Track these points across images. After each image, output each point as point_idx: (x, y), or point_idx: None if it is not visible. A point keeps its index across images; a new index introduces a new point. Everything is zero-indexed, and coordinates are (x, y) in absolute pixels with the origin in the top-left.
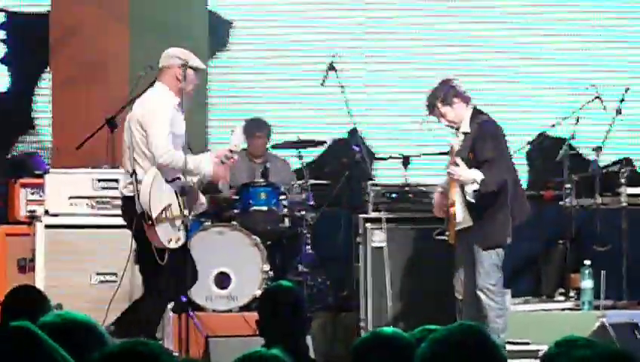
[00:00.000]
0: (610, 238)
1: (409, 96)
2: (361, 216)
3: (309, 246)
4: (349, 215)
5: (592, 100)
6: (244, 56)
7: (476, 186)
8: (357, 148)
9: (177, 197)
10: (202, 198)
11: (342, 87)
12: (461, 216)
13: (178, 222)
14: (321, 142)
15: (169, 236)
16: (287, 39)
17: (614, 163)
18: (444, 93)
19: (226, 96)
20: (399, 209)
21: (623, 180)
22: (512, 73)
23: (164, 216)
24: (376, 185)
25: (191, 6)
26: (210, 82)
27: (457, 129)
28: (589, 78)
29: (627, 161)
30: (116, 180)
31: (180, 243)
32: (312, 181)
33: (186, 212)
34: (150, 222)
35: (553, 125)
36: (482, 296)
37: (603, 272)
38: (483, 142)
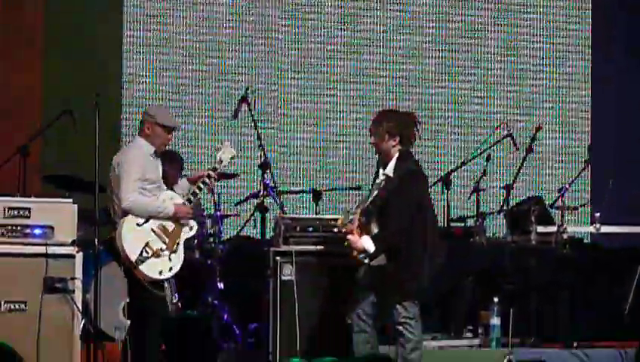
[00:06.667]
0: (519, 276)
1: (324, 130)
2: (271, 249)
3: (218, 278)
4: (259, 247)
5: (504, 138)
6: (159, 89)
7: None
8: (267, 182)
9: (154, 231)
10: (192, 223)
11: (254, 119)
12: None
13: (165, 252)
14: (233, 175)
15: (158, 268)
16: (201, 71)
17: (524, 201)
18: (391, 124)
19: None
20: (309, 242)
21: (533, 218)
22: (426, 108)
23: (144, 255)
24: (286, 218)
25: (107, 40)
26: (125, 113)
27: (383, 162)
28: (502, 116)
29: (537, 200)
30: (28, 209)
31: (175, 270)
32: (223, 213)
33: (169, 239)
34: (133, 265)
35: (464, 162)
36: (401, 329)
37: (512, 309)
38: (396, 197)
